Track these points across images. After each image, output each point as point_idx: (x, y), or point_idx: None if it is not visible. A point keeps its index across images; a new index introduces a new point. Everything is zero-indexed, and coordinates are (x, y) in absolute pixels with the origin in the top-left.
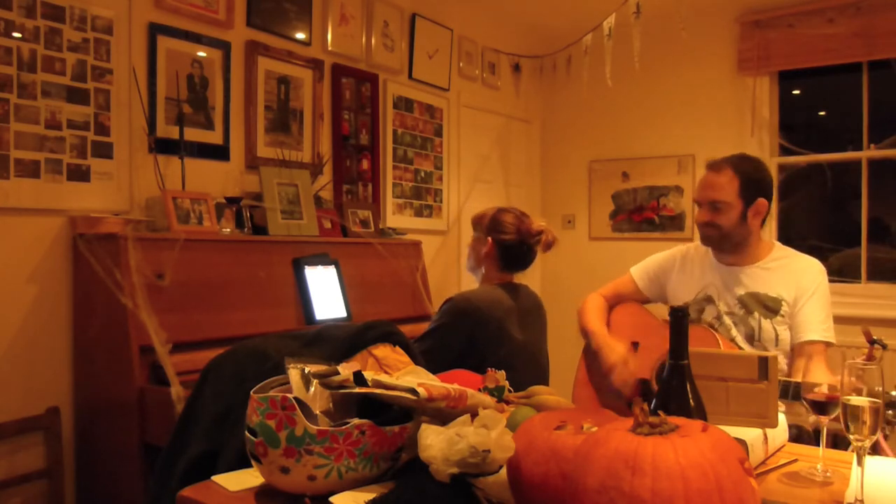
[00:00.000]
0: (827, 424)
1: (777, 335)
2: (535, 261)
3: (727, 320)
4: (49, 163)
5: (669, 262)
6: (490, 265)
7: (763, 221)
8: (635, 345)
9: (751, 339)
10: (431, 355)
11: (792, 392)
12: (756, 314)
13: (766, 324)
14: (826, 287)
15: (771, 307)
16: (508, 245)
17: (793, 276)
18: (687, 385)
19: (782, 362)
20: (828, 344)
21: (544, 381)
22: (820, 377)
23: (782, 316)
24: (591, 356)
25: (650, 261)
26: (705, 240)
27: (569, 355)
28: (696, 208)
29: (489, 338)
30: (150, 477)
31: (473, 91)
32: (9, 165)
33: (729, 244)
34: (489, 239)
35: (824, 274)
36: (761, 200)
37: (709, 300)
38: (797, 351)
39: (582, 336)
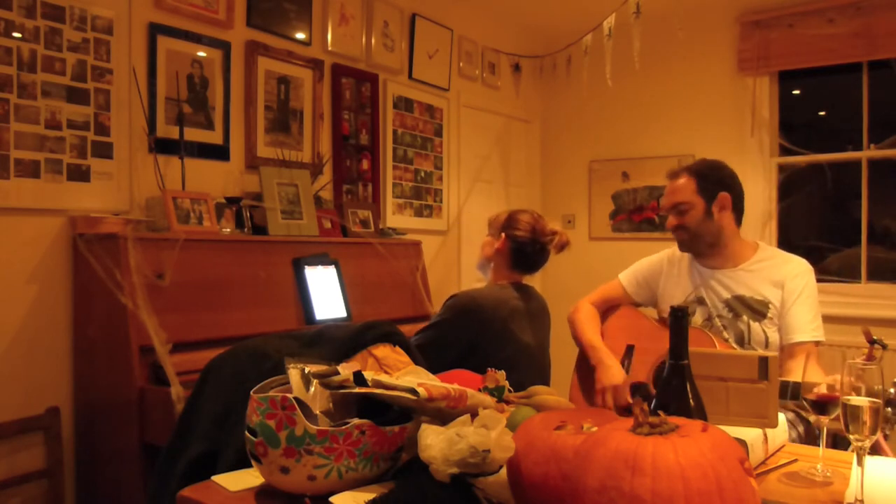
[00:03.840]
0: (827, 425)
1: (767, 338)
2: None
3: (717, 322)
4: (49, 163)
5: (657, 267)
6: (500, 262)
7: (739, 220)
8: (631, 347)
9: (741, 342)
10: (428, 348)
11: (791, 391)
12: (745, 317)
13: (756, 326)
14: (813, 286)
15: (758, 310)
16: (522, 242)
17: (778, 278)
18: (687, 385)
19: None
20: (817, 343)
21: (546, 382)
22: (814, 377)
23: (770, 318)
24: (586, 369)
25: (638, 266)
26: (680, 245)
27: (569, 355)
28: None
29: (493, 338)
30: (150, 477)
31: (473, 91)
32: (9, 165)
33: (703, 244)
34: (503, 235)
35: (811, 273)
36: (723, 194)
37: (700, 301)
38: (787, 352)
39: (577, 346)
